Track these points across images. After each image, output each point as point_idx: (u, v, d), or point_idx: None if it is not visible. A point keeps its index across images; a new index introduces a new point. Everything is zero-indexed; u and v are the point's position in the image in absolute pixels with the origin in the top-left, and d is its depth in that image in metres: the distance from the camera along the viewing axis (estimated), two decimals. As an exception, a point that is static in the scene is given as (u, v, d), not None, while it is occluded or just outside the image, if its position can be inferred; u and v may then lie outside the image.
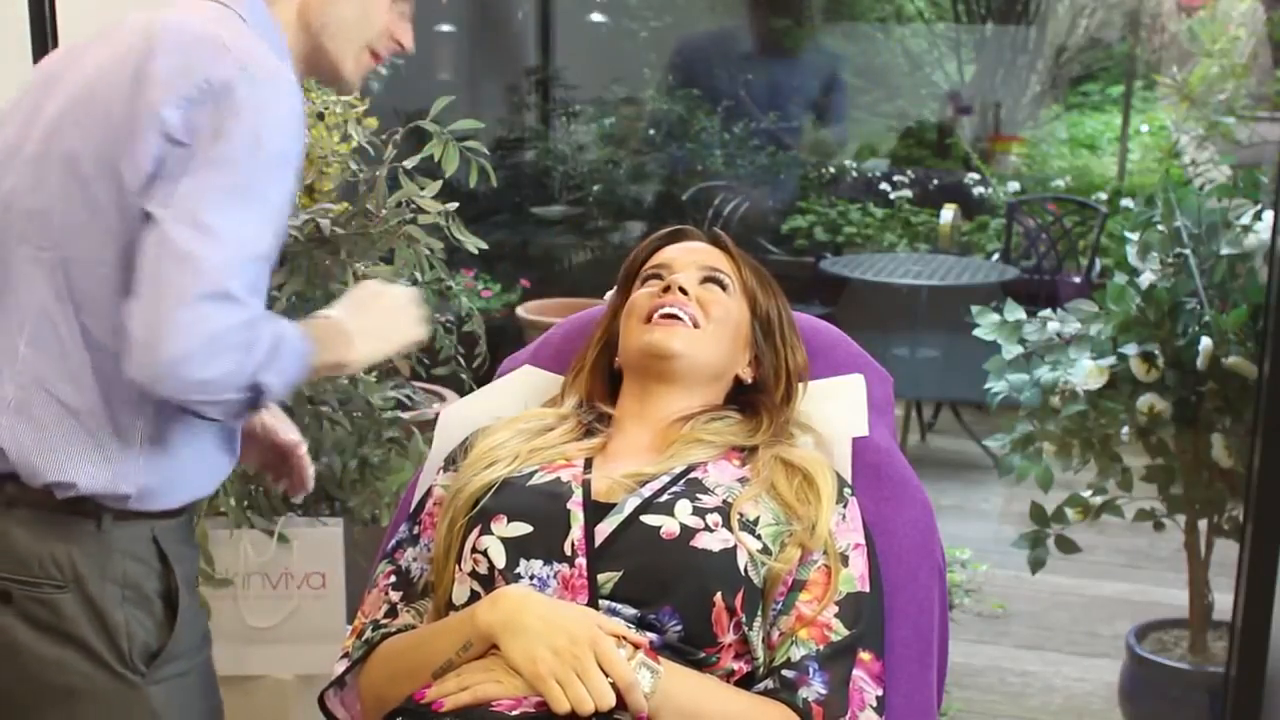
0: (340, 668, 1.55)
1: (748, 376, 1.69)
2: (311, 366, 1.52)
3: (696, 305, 1.64)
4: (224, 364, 1.39)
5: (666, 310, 1.62)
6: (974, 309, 2.90)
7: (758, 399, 1.68)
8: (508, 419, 1.68)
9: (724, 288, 1.68)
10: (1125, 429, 2.80)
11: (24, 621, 1.52)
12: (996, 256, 5.59)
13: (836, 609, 1.48)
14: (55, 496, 1.50)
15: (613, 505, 1.49)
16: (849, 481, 1.63)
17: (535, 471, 1.55)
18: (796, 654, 1.46)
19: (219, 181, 1.41)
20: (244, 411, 1.47)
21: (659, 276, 1.68)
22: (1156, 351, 2.71)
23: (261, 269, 1.43)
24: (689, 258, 1.70)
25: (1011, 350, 2.83)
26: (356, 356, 1.59)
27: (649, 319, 1.63)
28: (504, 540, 1.48)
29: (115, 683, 1.53)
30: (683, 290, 1.64)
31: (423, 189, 2.41)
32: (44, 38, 2.45)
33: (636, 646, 1.38)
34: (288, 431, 1.82)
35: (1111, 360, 2.74)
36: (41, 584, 1.52)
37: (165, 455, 1.53)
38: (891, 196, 6.10)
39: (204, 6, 1.54)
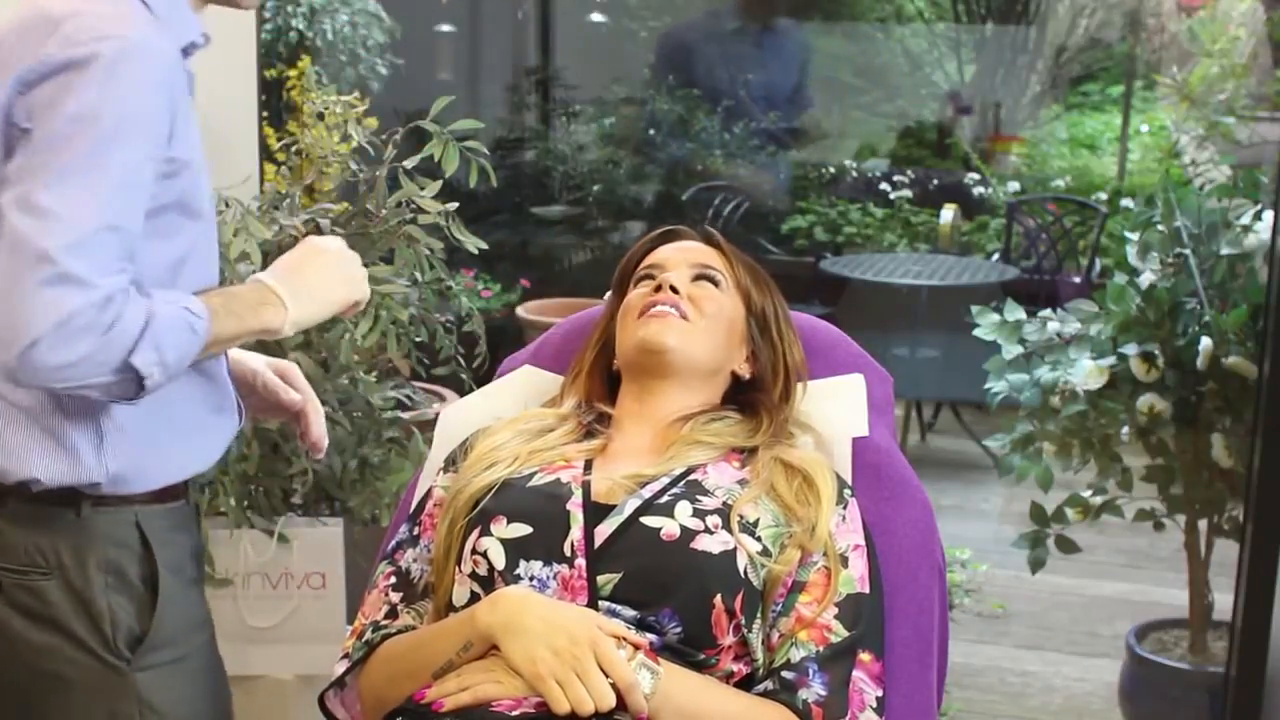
0: (340, 668, 1.55)
1: (745, 373, 1.69)
2: (220, 337, 1.48)
3: (689, 302, 1.64)
4: (79, 348, 1.34)
5: (659, 309, 1.62)
6: (974, 309, 2.90)
7: (757, 398, 1.68)
8: (508, 420, 1.68)
9: (716, 284, 1.68)
10: (1125, 429, 2.80)
11: (14, 610, 1.53)
12: (996, 256, 5.58)
13: (836, 610, 1.48)
14: (31, 489, 1.50)
15: (612, 507, 1.49)
16: (849, 482, 1.63)
17: (535, 473, 1.55)
18: (796, 655, 1.46)
19: (50, 160, 1.37)
20: (133, 392, 1.42)
21: (652, 277, 1.68)
22: (1156, 351, 2.71)
23: (114, 242, 1.38)
24: (681, 256, 1.70)
25: (1011, 350, 2.83)
26: (287, 320, 1.54)
27: (641, 315, 1.63)
28: (504, 541, 1.48)
29: (102, 669, 1.53)
30: (674, 289, 1.64)
31: (423, 189, 2.41)
32: None
33: (636, 647, 1.38)
34: (288, 392, 1.77)
35: (1111, 360, 2.74)
36: (28, 572, 1.52)
37: (132, 440, 1.52)
38: (891, 196, 6.10)
39: None
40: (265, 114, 2.96)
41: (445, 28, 6.33)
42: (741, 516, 1.49)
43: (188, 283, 1.52)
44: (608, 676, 1.34)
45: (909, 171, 6.23)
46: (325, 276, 1.58)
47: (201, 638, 1.64)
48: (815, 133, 6.40)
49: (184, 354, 1.44)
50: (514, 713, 1.35)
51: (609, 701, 1.34)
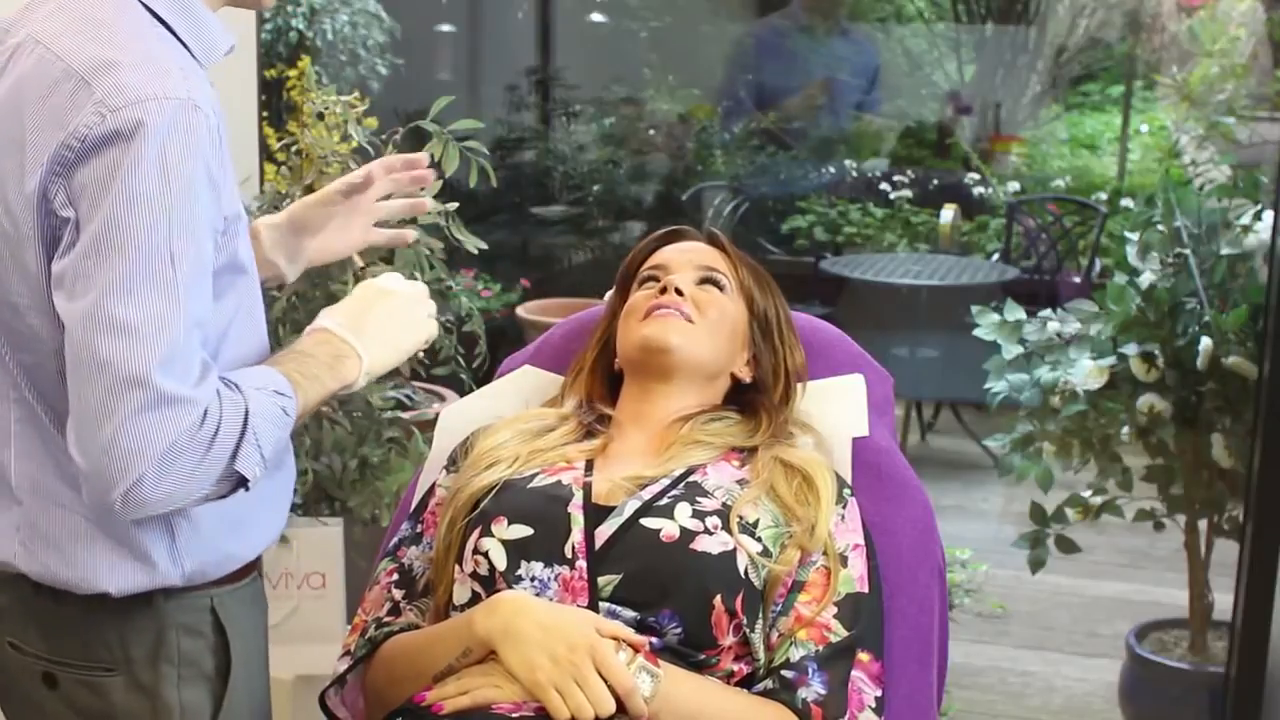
0: (342, 665, 1.55)
1: (745, 376, 1.69)
2: (307, 408, 1.36)
3: (692, 305, 1.64)
4: (182, 471, 1.21)
5: (663, 311, 1.62)
6: (974, 309, 2.90)
7: (756, 399, 1.68)
8: (508, 418, 1.68)
9: (720, 288, 1.68)
10: (1125, 429, 2.80)
11: (69, 708, 1.39)
12: (996, 256, 5.58)
13: (835, 610, 1.48)
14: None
15: (613, 508, 1.49)
16: (848, 482, 1.63)
17: (536, 474, 1.55)
18: (795, 655, 1.46)
19: (115, 262, 1.20)
20: (230, 490, 1.29)
21: (656, 278, 1.68)
22: (1156, 351, 2.71)
23: (197, 339, 1.24)
24: (685, 258, 1.70)
25: (1011, 350, 2.83)
26: (363, 373, 1.42)
27: (645, 316, 1.63)
28: (504, 542, 1.48)
29: None
30: (678, 291, 1.64)
31: (422, 189, 2.41)
32: None
33: (635, 648, 1.38)
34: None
35: (1111, 360, 2.74)
36: (91, 667, 1.38)
37: (206, 533, 1.38)
38: (891, 196, 6.09)
39: None
40: (265, 114, 2.96)
41: (445, 28, 6.33)
42: (741, 517, 1.49)
43: (235, 343, 1.38)
44: (607, 682, 1.34)
45: (909, 171, 6.23)
46: (395, 320, 1.47)
47: (263, 716, 1.52)
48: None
49: (280, 441, 1.32)
50: (514, 715, 1.35)
51: (608, 707, 1.34)
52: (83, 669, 1.38)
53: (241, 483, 1.28)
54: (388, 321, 1.47)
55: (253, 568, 1.50)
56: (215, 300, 1.31)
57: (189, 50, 1.34)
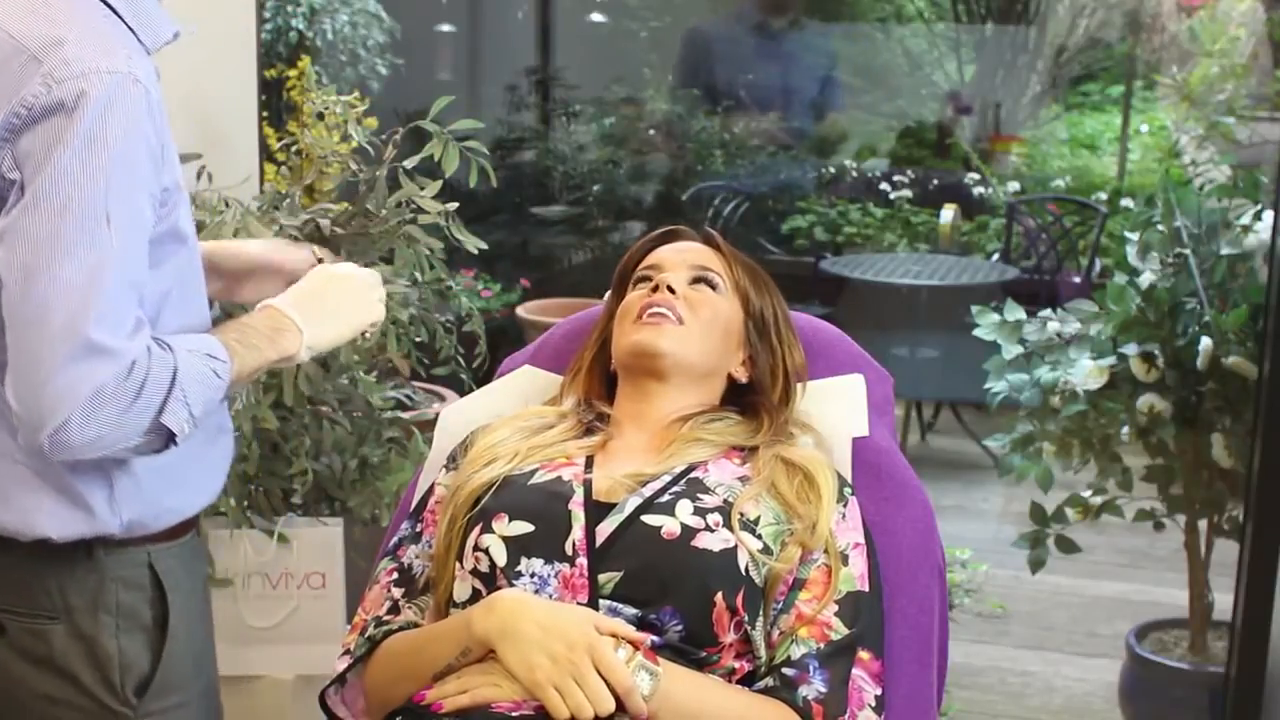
0: (342, 665, 1.55)
1: (742, 376, 1.69)
2: (242, 374, 1.45)
3: (684, 304, 1.64)
4: (108, 419, 1.30)
5: (655, 310, 1.62)
6: (974, 309, 2.90)
7: (756, 400, 1.68)
8: (508, 417, 1.68)
9: (714, 287, 1.68)
10: (1125, 429, 2.80)
11: (18, 655, 1.48)
12: (996, 256, 5.58)
13: (836, 608, 1.48)
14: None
15: (613, 505, 1.49)
16: (849, 481, 1.63)
17: (536, 470, 1.55)
18: (796, 652, 1.46)
19: (56, 223, 1.29)
20: (161, 445, 1.38)
21: (650, 278, 1.68)
22: (1156, 351, 2.71)
23: (133, 298, 1.33)
24: (680, 258, 1.70)
25: (1011, 350, 2.83)
26: (303, 344, 1.51)
27: (638, 318, 1.63)
28: (505, 539, 1.48)
29: (105, 715, 1.48)
30: (671, 289, 1.64)
31: (423, 189, 2.41)
32: None
33: (635, 645, 1.38)
34: (281, 253, 1.74)
35: (1111, 360, 2.74)
36: (36, 616, 1.47)
37: (144, 485, 1.47)
38: (891, 196, 6.10)
39: None
40: (265, 114, 2.96)
41: (445, 28, 6.33)
42: (742, 514, 1.49)
43: (175, 309, 1.47)
44: (606, 680, 1.34)
45: (909, 171, 6.23)
46: (341, 300, 1.56)
47: (205, 676, 1.59)
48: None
49: (210, 401, 1.41)
50: (514, 714, 1.35)
51: (608, 706, 1.34)
52: (28, 617, 1.47)
53: (171, 439, 1.37)
54: (333, 301, 1.55)
55: (190, 526, 1.57)
56: (155, 267, 1.40)
57: (135, 35, 1.43)
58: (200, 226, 2.11)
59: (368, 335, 1.62)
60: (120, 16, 1.42)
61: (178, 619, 1.52)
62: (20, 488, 1.44)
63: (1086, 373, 2.74)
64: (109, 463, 1.43)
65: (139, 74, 1.35)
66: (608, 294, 1.80)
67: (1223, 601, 2.83)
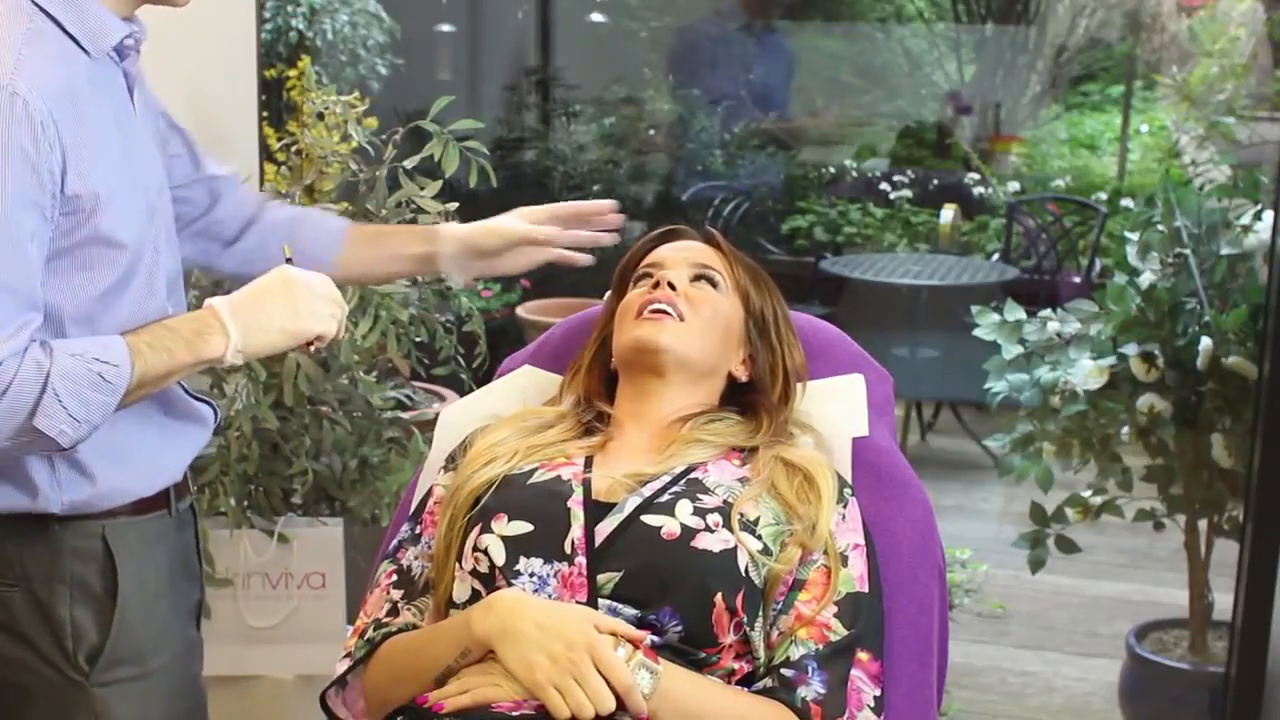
0: (342, 667, 1.55)
1: (742, 375, 1.69)
2: (148, 377, 1.45)
3: (685, 301, 1.64)
4: None
5: (656, 306, 1.62)
6: (974, 309, 2.90)
7: (756, 400, 1.68)
8: (506, 417, 1.68)
9: (715, 285, 1.68)
10: (1125, 429, 2.80)
11: None
12: (996, 256, 5.59)
13: (835, 609, 1.48)
14: None
15: (613, 505, 1.49)
16: (849, 481, 1.63)
17: (535, 469, 1.55)
18: (795, 653, 1.46)
19: None
20: (54, 448, 1.41)
21: (651, 276, 1.68)
22: (1156, 351, 2.71)
23: (3, 302, 1.35)
24: (680, 256, 1.70)
25: (1011, 350, 2.83)
26: (230, 348, 1.50)
27: (639, 315, 1.63)
28: (504, 539, 1.48)
29: (62, 682, 1.53)
30: (672, 286, 1.64)
31: (423, 189, 2.41)
32: None
33: (635, 644, 1.38)
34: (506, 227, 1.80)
35: (1111, 360, 2.74)
36: None
37: (86, 469, 1.51)
38: (891, 196, 6.10)
39: None
40: (265, 114, 2.95)
41: (445, 28, 6.33)
42: (742, 515, 1.49)
43: (125, 311, 1.50)
44: (606, 679, 1.34)
45: (909, 171, 6.23)
46: (286, 307, 1.54)
47: (169, 655, 1.61)
48: (816, 133, 6.40)
49: (100, 406, 1.41)
50: (514, 714, 1.35)
51: (608, 705, 1.33)
52: None
53: (42, 440, 1.38)
54: (277, 307, 1.54)
55: (155, 505, 1.59)
56: (85, 270, 1.45)
57: (76, 41, 1.45)
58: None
59: (314, 348, 1.59)
60: (59, 24, 1.44)
61: (128, 592, 1.55)
62: None
63: (1086, 373, 2.74)
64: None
65: (20, 86, 1.36)
66: (608, 293, 1.80)
67: (1223, 601, 2.83)
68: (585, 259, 1.91)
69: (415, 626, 1.54)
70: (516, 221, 1.84)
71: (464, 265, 1.86)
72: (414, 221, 2.43)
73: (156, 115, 1.68)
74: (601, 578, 1.44)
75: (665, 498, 1.49)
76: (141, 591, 1.57)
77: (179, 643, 1.64)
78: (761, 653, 1.47)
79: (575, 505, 1.49)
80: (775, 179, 6.13)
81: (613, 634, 1.38)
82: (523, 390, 1.80)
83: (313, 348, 1.59)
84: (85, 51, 1.46)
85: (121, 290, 1.50)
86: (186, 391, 1.65)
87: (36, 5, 1.43)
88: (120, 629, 1.54)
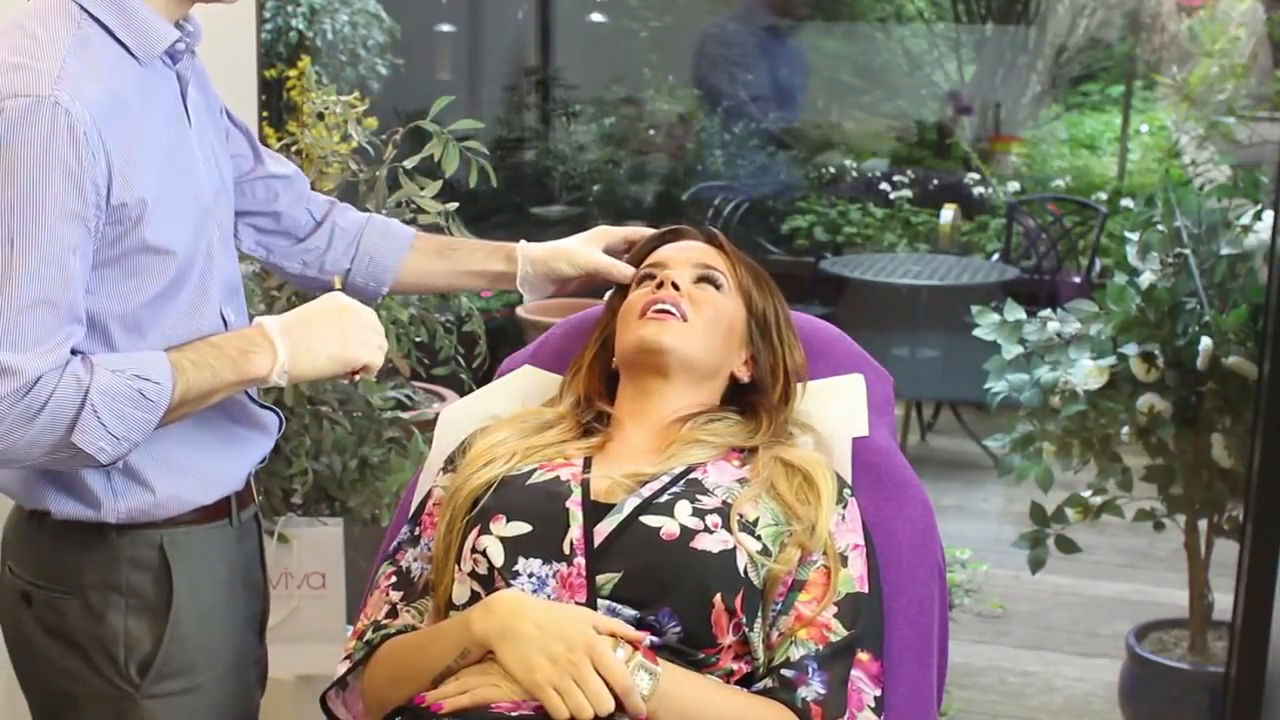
0: (342, 669, 1.55)
1: (744, 375, 1.69)
2: (190, 395, 1.43)
3: (688, 301, 1.64)
4: (10, 436, 1.32)
5: (659, 306, 1.62)
6: (974, 309, 2.90)
7: (756, 399, 1.68)
8: (505, 418, 1.68)
9: (717, 286, 1.68)
10: (1125, 429, 2.80)
11: (39, 625, 1.53)
12: (996, 256, 5.59)
13: (835, 609, 1.48)
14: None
15: (612, 505, 1.49)
16: (848, 482, 1.63)
17: (534, 470, 1.55)
18: (795, 654, 1.46)
19: None
20: (94, 464, 1.40)
21: (654, 276, 1.68)
22: (1156, 351, 2.71)
23: (45, 318, 1.34)
24: (683, 256, 1.70)
25: (1011, 350, 2.83)
26: (276, 368, 1.49)
27: (642, 315, 1.63)
28: (503, 540, 1.48)
29: (112, 692, 1.52)
30: (675, 286, 1.64)
31: (423, 189, 2.41)
32: None
33: (634, 645, 1.38)
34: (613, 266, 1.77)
35: (1111, 360, 2.74)
36: (55, 590, 1.52)
37: (142, 480, 1.50)
38: (891, 196, 6.10)
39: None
40: (265, 114, 2.96)
41: (445, 28, 6.33)
42: (741, 515, 1.49)
43: (177, 318, 1.49)
44: (605, 680, 1.34)
45: (909, 171, 6.23)
46: (335, 334, 1.53)
47: (222, 669, 1.60)
48: (817, 134, 6.40)
49: (140, 424, 1.40)
50: (513, 714, 1.35)
51: (607, 706, 1.33)
52: (49, 590, 1.53)
53: (80, 456, 1.37)
54: (327, 333, 1.53)
55: (217, 514, 1.58)
56: (131, 278, 1.43)
57: (125, 46, 1.43)
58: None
59: (358, 378, 1.59)
60: (108, 29, 1.42)
61: (183, 603, 1.53)
62: (29, 475, 1.49)
63: (1086, 373, 2.74)
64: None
65: (63, 97, 1.34)
66: (609, 293, 1.80)
67: (1223, 601, 2.83)
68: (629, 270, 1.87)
69: (414, 628, 1.54)
70: (591, 251, 1.80)
71: (538, 287, 1.83)
72: (414, 221, 2.42)
73: (218, 112, 1.66)
74: (600, 578, 1.44)
75: (664, 498, 1.49)
76: (196, 603, 1.55)
77: (231, 657, 1.62)
78: (760, 653, 1.47)
79: (574, 506, 1.49)
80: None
81: (612, 635, 1.38)
82: (522, 390, 1.80)
83: (357, 377, 1.58)
84: (134, 57, 1.44)
85: (172, 297, 1.48)
86: (251, 399, 1.63)
87: (85, 10, 1.41)
88: (173, 641, 1.53)
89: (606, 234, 1.83)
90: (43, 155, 1.33)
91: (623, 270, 1.76)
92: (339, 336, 1.53)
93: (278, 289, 2.39)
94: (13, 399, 1.31)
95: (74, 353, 1.38)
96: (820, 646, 1.46)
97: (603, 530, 1.47)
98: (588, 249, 1.80)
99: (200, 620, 1.56)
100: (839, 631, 1.47)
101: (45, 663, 1.54)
